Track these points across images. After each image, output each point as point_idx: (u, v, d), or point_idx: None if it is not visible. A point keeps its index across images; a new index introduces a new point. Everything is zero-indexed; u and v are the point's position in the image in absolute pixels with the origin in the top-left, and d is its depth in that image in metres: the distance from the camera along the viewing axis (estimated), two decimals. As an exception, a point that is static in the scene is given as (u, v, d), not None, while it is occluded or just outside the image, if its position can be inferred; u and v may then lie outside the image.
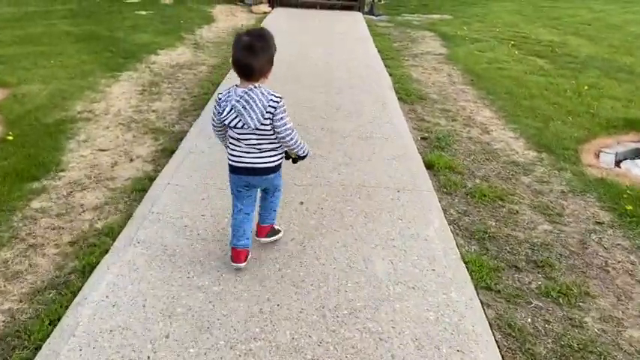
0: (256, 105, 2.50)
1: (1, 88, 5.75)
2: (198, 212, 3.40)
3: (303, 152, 2.79)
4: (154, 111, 5.36)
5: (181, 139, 4.61)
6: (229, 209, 3.16)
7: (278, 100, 2.54)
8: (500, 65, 7.76)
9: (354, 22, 10.84)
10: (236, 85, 2.59)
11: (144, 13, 10.24)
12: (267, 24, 9.76)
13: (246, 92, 2.51)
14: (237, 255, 2.84)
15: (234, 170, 2.74)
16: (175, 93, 5.93)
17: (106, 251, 3.02)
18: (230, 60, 2.72)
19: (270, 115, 2.53)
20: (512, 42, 9.38)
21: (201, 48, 8.04)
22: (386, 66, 7.35)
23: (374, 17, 11.72)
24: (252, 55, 2.48)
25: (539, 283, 2.99)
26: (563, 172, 4.44)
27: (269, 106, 2.52)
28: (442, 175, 4.22)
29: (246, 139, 2.61)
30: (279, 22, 10.04)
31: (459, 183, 4.10)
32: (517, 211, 3.75)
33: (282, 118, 2.56)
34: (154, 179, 3.87)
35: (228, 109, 2.54)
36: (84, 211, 3.53)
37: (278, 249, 3.06)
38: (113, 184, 3.91)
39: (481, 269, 3.01)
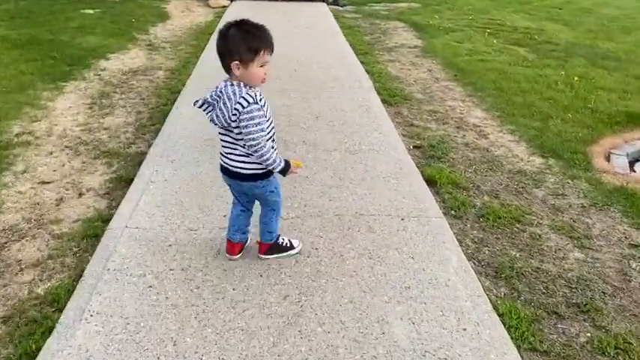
0: (224, 104, 2.32)
1: None
2: (164, 266, 2.75)
3: (274, 168, 2.48)
4: (105, 129, 4.63)
5: (139, 164, 3.92)
6: (204, 258, 2.67)
7: (244, 104, 2.28)
8: (481, 57, 7.28)
9: (320, 14, 10.20)
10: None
11: (90, 11, 9.34)
12: (227, 19, 9.01)
13: (221, 87, 2.35)
14: (232, 247, 2.80)
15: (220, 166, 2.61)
16: (130, 105, 5.20)
17: (50, 330, 2.35)
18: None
19: (236, 119, 2.32)
20: (488, 30, 8.93)
21: (157, 50, 7.28)
22: (361, 62, 6.77)
23: (339, 8, 11.10)
24: (219, 41, 2.36)
25: (589, 334, 2.48)
26: (577, 180, 3.96)
27: (234, 108, 2.30)
28: (446, 193, 3.68)
29: (222, 137, 2.47)
30: (239, 17, 9.30)
31: (466, 202, 3.57)
32: (540, 236, 3.24)
33: (246, 127, 2.31)
34: (109, 220, 3.19)
35: (201, 101, 2.41)
36: (21, 270, 2.83)
37: (270, 313, 2.45)
38: (59, 228, 3.21)
39: (519, 322, 2.48)
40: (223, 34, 2.31)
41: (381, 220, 3.22)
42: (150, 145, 4.25)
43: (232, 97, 2.30)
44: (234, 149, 2.45)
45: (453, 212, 3.46)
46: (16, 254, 2.97)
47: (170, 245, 2.94)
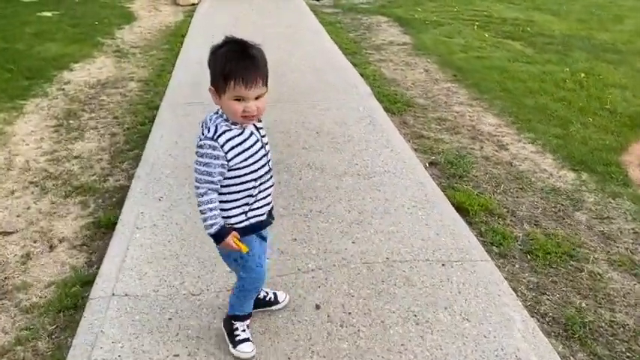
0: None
1: None
2: (167, 351, 2.20)
3: (205, 228, 1.92)
4: (76, 157, 4.00)
5: (120, 203, 3.33)
6: (214, 336, 2.23)
7: (201, 138, 1.84)
8: (477, 53, 6.84)
9: (298, 10, 9.58)
10: None
11: (49, 14, 8.52)
12: (199, 19, 8.35)
13: (206, 116, 1.92)
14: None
15: None
16: (102, 125, 4.56)
17: None
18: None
19: None
20: (477, 23, 8.49)
21: (126, 56, 6.59)
22: (351, 63, 6.24)
23: (317, 2, 10.51)
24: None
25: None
26: (619, 199, 3.54)
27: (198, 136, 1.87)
28: (482, 224, 3.21)
29: None
30: (212, 16, 8.63)
31: (507, 234, 3.10)
32: (600, 276, 2.80)
33: (195, 162, 1.85)
34: (90, 282, 2.62)
35: None
36: (-18, 363, 2.24)
37: (310, 416, 1.93)
38: (27, 297, 2.62)
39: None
40: (212, 52, 1.85)
41: (418, 267, 2.72)
42: (130, 177, 3.66)
43: (203, 126, 1.87)
44: None
45: (495, 249, 2.98)
46: (-26, 339, 2.37)
47: (170, 319, 2.38)
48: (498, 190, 3.64)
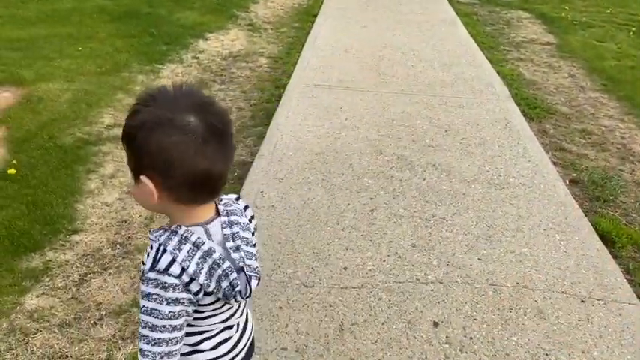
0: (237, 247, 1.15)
1: (15, 86, 4.55)
2: (275, 343, 2.11)
3: None
4: (203, 126, 4.06)
5: (242, 179, 3.33)
6: (323, 335, 1.91)
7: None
8: (632, 63, 6.12)
9: (432, -3, 9.19)
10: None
11: (190, -17, 8.85)
12: (326, 2, 8.26)
13: (226, 220, 1.13)
14: None
15: None
16: (230, 98, 4.61)
17: None
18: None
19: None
20: (632, 29, 7.62)
21: (258, 31, 6.66)
22: (487, 60, 5.83)
23: (453, -9, 10.00)
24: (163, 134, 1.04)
25: None
26: None
27: None
28: (629, 259, 2.82)
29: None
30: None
31: (660, 277, 2.69)
32: None
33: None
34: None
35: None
36: (100, 320, 2.30)
37: None
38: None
39: None
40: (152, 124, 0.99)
41: (553, 299, 2.42)
42: (252, 154, 3.65)
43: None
44: None
45: (646, 292, 2.59)
46: (96, 294, 2.45)
47: (281, 308, 2.30)
48: (650, 223, 3.19)
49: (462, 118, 4.21)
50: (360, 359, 2.06)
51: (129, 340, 2.20)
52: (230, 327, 1.19)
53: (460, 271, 2.56)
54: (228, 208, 1.13)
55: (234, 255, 1.09)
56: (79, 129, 3.89)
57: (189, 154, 0.97)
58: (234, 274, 1.06)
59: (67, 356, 2.12)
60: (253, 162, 3.49)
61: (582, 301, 2.42)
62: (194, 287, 1.03)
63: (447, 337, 2.19)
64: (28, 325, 2.25)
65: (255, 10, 7.61)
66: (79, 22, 6.36)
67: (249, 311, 1.28)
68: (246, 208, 1.21)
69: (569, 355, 2.13)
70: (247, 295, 1.09)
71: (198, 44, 5.94)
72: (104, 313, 2.34)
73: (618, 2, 9.46)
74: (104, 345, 2.18)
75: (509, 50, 6.46)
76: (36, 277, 2.52)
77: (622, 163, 3.89)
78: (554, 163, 3.77)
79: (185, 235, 1.04)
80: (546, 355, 2.12)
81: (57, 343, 2.17)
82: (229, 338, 1.20)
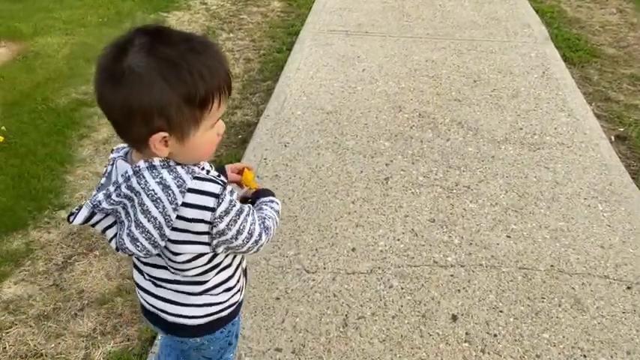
0: (146, 210, 1.08)
1: (12, 41, 4.28)
2: (269, 342, 1.86)
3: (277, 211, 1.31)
4: (206, 82, 3.73)
5: (245, 142, 3.03)
6: (324, 333, 1.65)
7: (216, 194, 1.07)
8: (692, -7, 5.41)
9: None
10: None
11: None
12: None
13: (128, 173, 1.04)
14: None
15: None
16: (238, 48, 4.24)
17: None
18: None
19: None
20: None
21: (272, -29, 6.14)
22: (524, -5, 5.23)
23: None
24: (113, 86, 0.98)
25: None
26: None
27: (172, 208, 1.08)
28: (685, 234, 2.43)
29: (147, 269, 1.28)
30: None
31: None
32: None
33: (228, 230, 1.12)
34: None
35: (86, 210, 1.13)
36: (81, 311, 2.09)
37: None
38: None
39: None
40: (133, 66, 0.94)
41: (593, 285, 2.08)
42: (259, 113, 3.32)
43: (166, 189, 1.01)
44: (176, 289, 1.19)
45: None
46: (79, 279, 2.24)
47: (278, 299, 2.04)
48: None
49: (493, 66, 3.76)
50: (365, 362, 1.80)
51: (109, 336, 1.99)
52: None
53: (485, 252, 2.23)
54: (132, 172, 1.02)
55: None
56: (74, 88, 3.62)
57: None
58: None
59: (41, 355, 1.93)
60: (258, 122, 3.17)
61: (628, 287, 2.08)
62: None
63: (466, 333, 1.90)
64: (3, 318, 2.06)
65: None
66: (81, -31, 5.97)
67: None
68: (217, 197, 1.03)
69: (612, 357, 1.82)
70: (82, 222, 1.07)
71: (206, -12, 5.50)
72: (86, 302, 2.13)
73: None
74: (82, 342, 1.97)
75: (549, -17, 5.80)
76: (16, 260, 2.32)
77: (678, 114, 3.41)
78: (598, 117, 3.33)
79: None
80: (584, 357, 1.82)
81: (32, 339, 1.98)
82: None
